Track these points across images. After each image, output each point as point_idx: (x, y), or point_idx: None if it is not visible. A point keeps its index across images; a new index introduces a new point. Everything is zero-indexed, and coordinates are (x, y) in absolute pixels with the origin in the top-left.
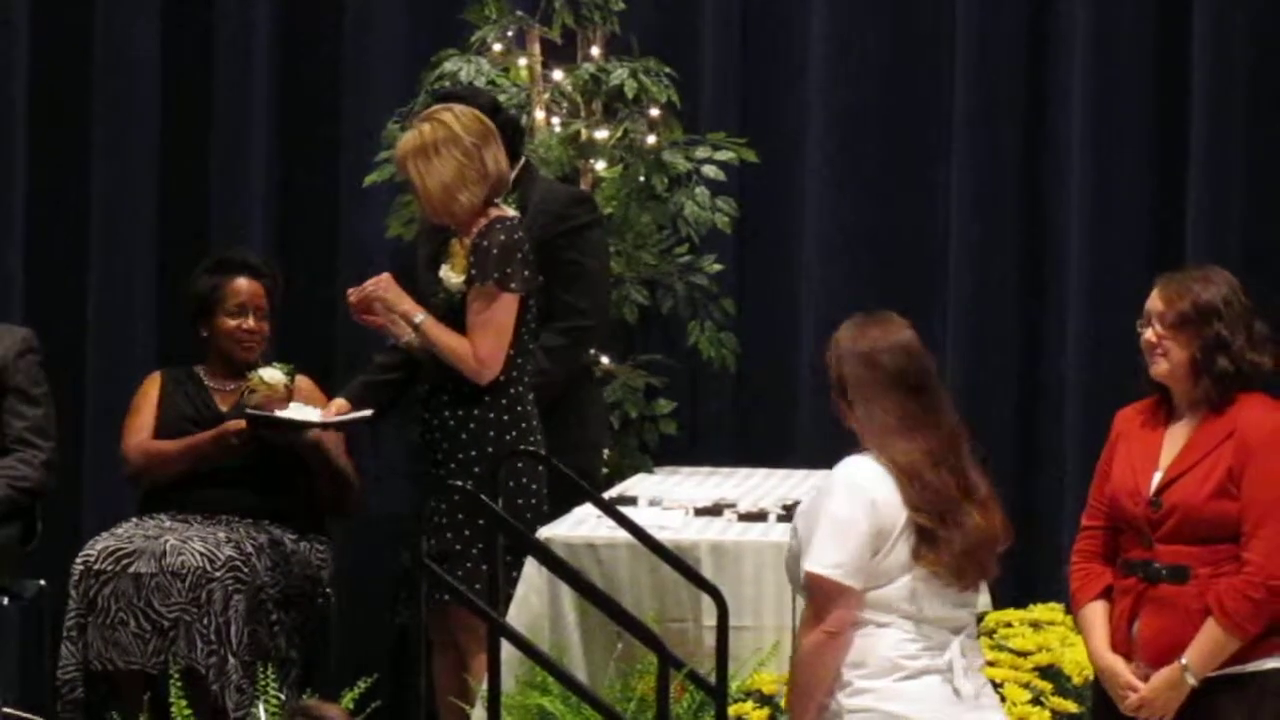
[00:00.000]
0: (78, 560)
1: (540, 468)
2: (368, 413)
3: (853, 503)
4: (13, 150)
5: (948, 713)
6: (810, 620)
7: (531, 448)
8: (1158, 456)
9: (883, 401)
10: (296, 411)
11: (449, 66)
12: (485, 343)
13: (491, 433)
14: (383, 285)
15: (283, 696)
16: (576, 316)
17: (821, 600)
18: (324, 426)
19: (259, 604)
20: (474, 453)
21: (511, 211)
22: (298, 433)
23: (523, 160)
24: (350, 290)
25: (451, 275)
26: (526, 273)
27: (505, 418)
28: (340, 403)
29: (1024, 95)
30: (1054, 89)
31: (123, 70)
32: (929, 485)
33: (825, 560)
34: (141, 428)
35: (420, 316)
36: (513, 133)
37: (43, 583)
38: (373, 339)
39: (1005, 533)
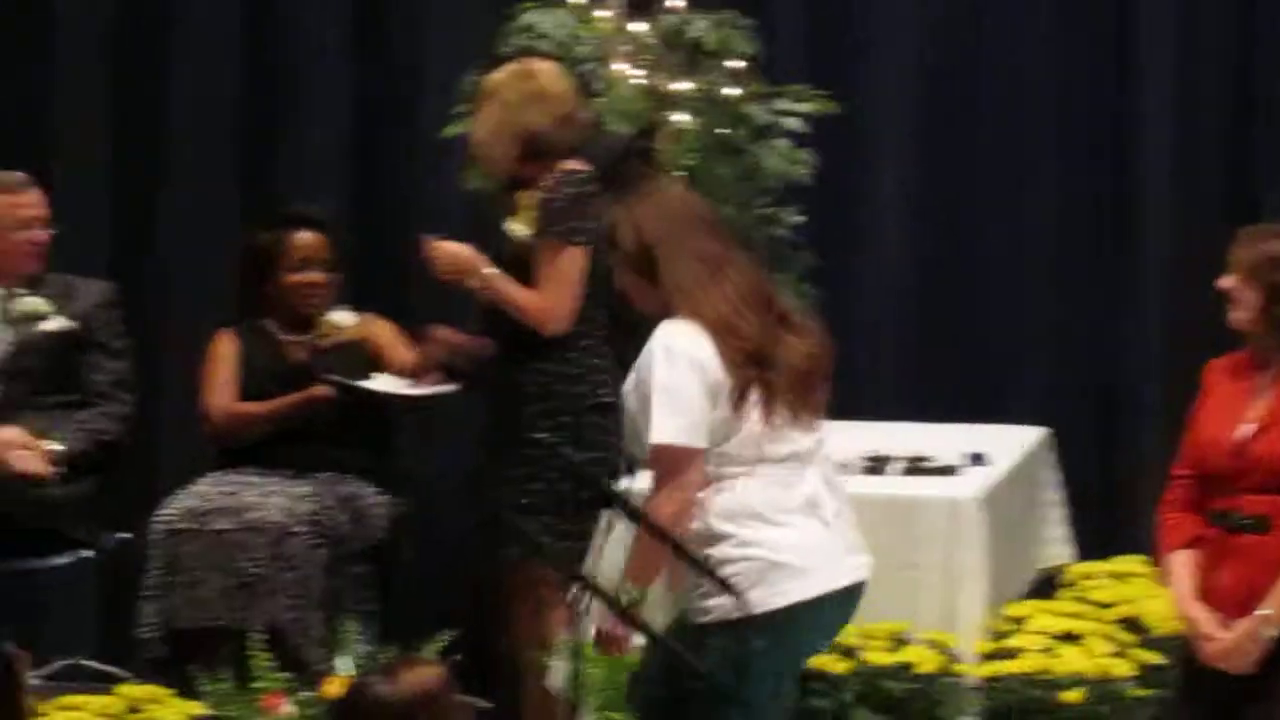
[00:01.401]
0: (158, 519)
1: (614, 419)
2: (454, 387)
3: (675, 367)
4: (95, 103)
5: (823, 554)
6: (660, 498)
7: (607, 399)
8: (1244, 407)
9: (688, 245)
10: (383, 383)
11: (530, 18)
12: (552, 295)
13: (560, 386)
14: (446, 244)
15: (364, 650)
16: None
17: (671, 468)
18: (411, 400)
19: (339, 558)
20: (542, 406)
21: (582, 165)
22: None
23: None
24: (428, 243)
25: (517, 227)
26: (593, 224)
27: (575, 371)
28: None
29: (1107, 34)
30: (1137, 25)
31: (199, 20)
32: (742, 334)
33: (666, 428)
34: (223, 387)
35: (487, 269)
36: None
37: (123, 535)
38: (451, 291)
39: (826, 352)
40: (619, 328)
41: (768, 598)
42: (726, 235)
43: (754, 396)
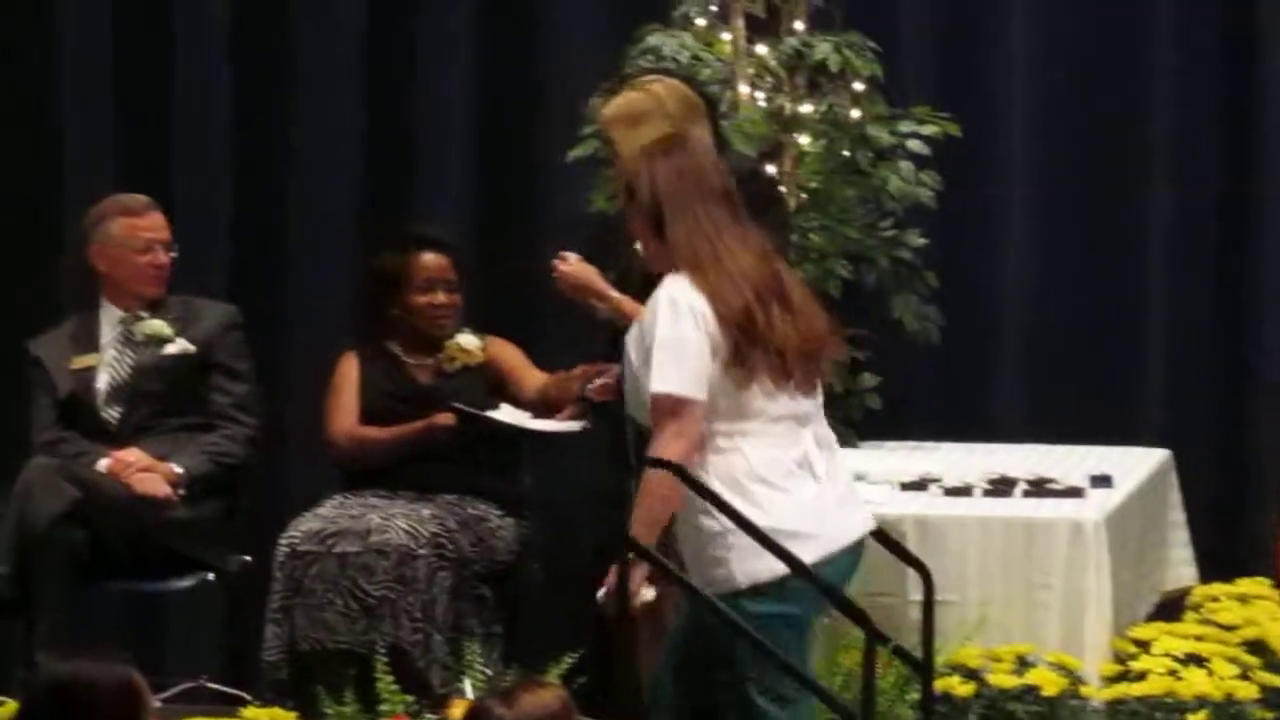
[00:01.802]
0: (282, 542)
1: None
2: (581, 425)
3: (679, 320)
4: (218, 126)
5: (817, 516)
6: (661, 443)
7: None
8: None
9: (696, 208)
10: (509, 414)
11: (652, 41)
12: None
13: None
14: (572, 267)
15: (488, 672)
16: None
17: (672, 417)
18: (536, 435)
19: (463, 580)
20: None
21: None
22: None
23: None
24: (558, 257)
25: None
26: None
27: None
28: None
29: (1230, 48)
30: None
31: (326, 42)
32: (732, 302)
33: (669, 378)
34: (347, 411)
35: (614, 293)
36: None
37: (246, 558)
38: (576, 312)
39: (826, 337)
40: None
41: (770, 566)
42: (738, 207)
43: (746, 360)
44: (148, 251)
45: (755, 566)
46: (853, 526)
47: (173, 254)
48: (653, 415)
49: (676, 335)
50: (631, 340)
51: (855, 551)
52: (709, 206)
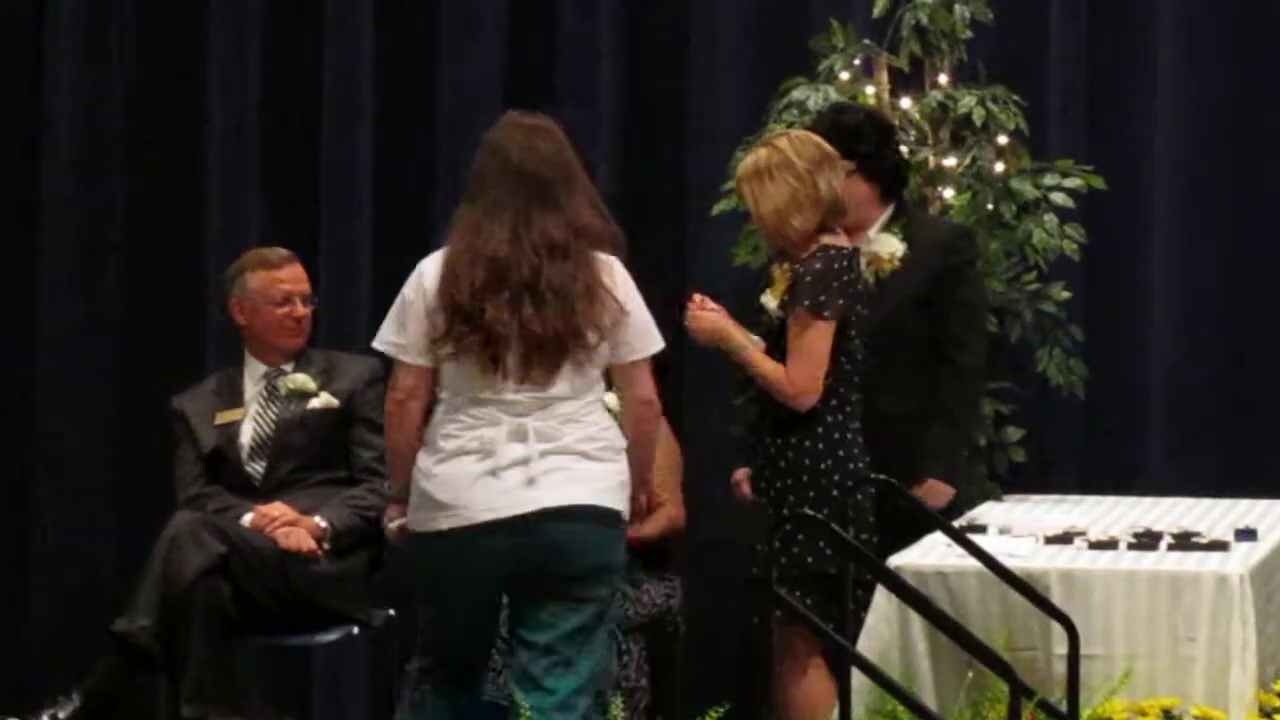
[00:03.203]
0: None
1: (859, 497)
2: None
3: (411, 284)
4: (360, 178)
5: (477, 494)
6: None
7: (868, 475)
8: None
9: (489, 189)
10: None
11: (797, 95)
12: (799, 369)
13: (807, 460)
14: (704, 315)
15: None
16: (972, 356)
17: (392, 371)
18: None
19: (609, 635)
20: (789, 480)
21: (842, 241)
22: None
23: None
24: (692, 302)
25: (770, 300)
26: (842, 301)
27: (820, 446)
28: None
29: None
30: None
31: (461, 92)
32: (460, 278)
33: (385, 336)
34: None
35: (741, 347)
36: (899, 161)
37: (391, 611)
38: (718, 367)
39: (569, 335)
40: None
41: (421, 522)
42: (537, 197)
43: (455, 336)
44: (286, 304)
45: (414, 519)
46: (513, 504)
47: (313, 306)
48: None
49: (404, 297)
50: None
51: (523, 531)
52: (500, 191)
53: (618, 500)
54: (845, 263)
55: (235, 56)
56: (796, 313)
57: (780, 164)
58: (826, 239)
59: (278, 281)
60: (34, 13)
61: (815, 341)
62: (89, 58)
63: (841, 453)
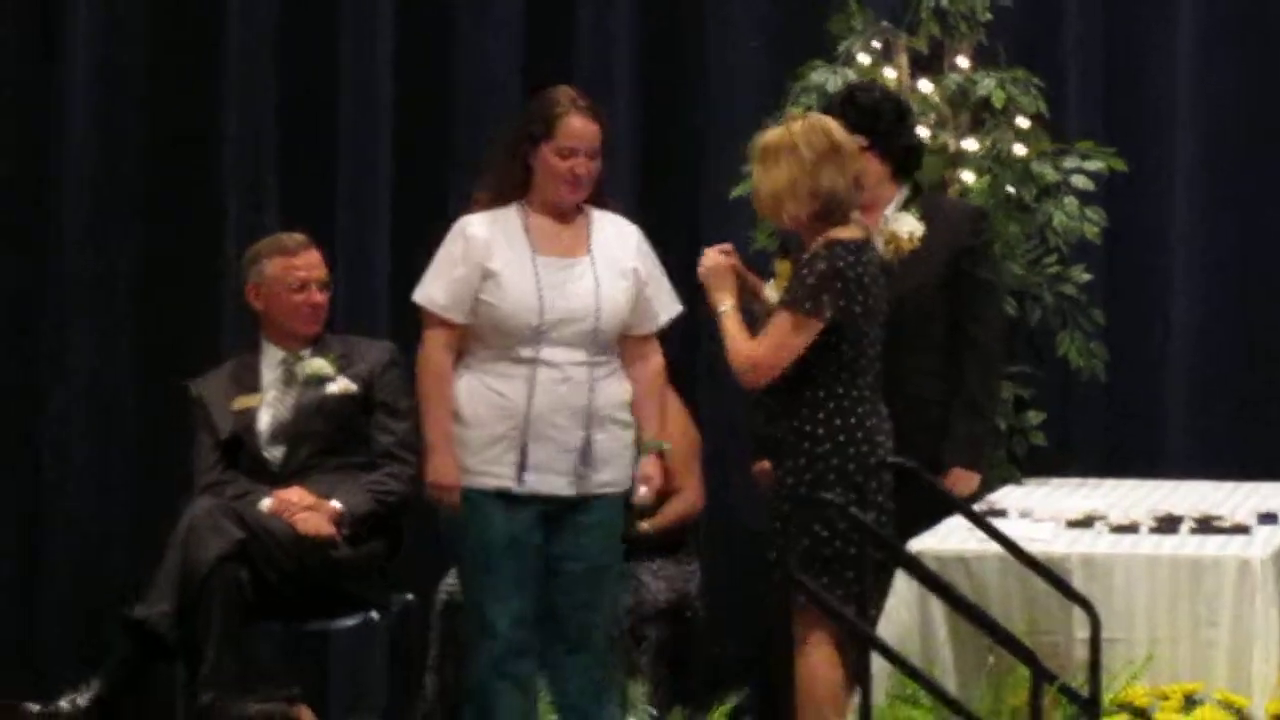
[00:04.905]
0: (442, 590)
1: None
2: None
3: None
4: (378, 166)
5: None
6: None
7: (885, 459)
8: None
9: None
10: None
11: (815, 78)
12: (763, 351)
13: (807, 444)
14: (713, 256)
15: (653, 712)
16: (992, 337)
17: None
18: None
19: (628, 623)
20: (789, 463)
21: (851, 233)
22: None
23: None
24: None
25: (771, 294)
26: (843, 301)
27: (820, 431)
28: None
29: None
30: None
31: (483, 82)
32: None
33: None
34: None
35: (725, 305)
36: (915, 142)
37: (410, 596)
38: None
39: None
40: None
41: None
42: None
43: None
44: (303, 290)
45: None
46: None
47: (328, 291)
48: None
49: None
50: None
51: None
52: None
53: None
54: (851, 258)
55: (253, 51)
56: (786, 303)
57: (788, 149)
58: (836, 232)
59: (294, 268)
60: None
61: (791, 335)
62: (104, 66)
63: (856, 436)
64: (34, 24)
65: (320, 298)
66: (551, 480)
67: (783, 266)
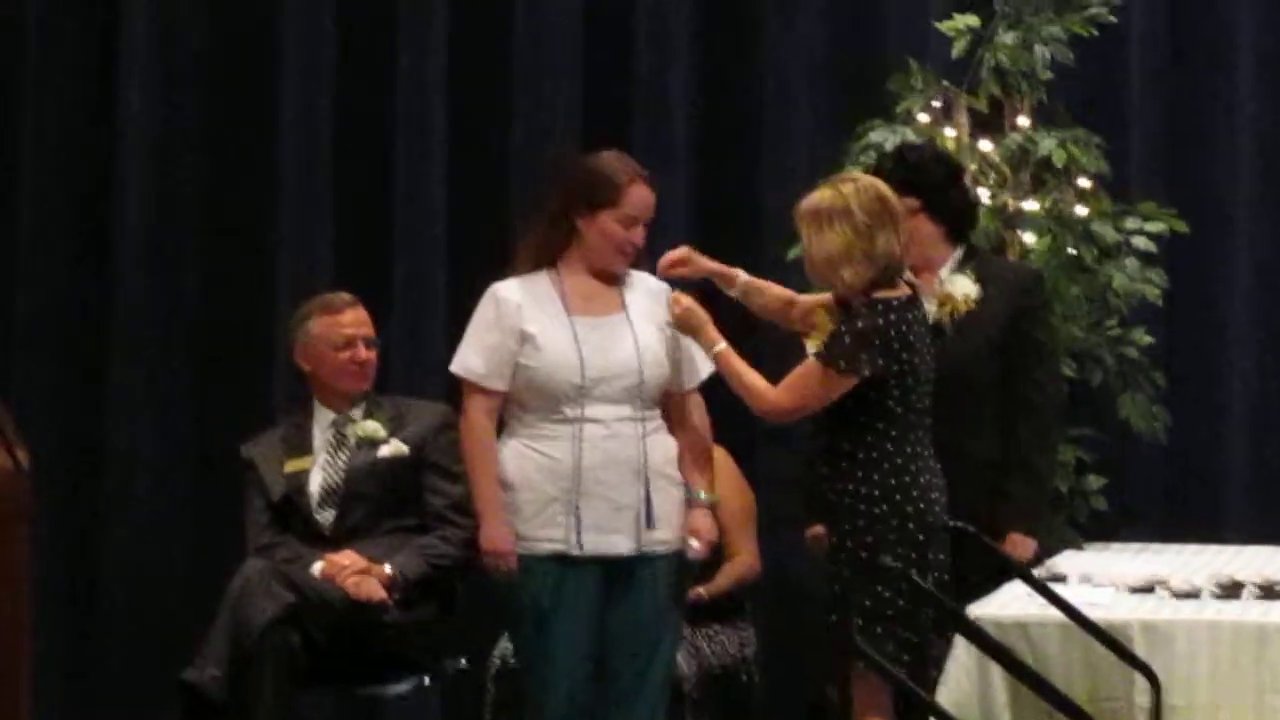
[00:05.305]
0: (495, 654)
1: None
2: None
3: None
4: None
5: None
6: None
7: (945, 522)
8: None
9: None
10: None
11: (874, 137)
12: (789, 400)
13: (864, 506)
14: (683, 305)
15: None
16: (1049, 399)
17: None
18: None
19: (678, 690)
20: (846, 525)
21: (898, 292)
22: None
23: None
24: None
25: (811, 347)
26: (882, 360)
27: (876, 492)
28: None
29: None
30: None
31: (543, 116)
32: None
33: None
34: None
35: (719, 345)
36: (968, 202)
37: (463, 661)
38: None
39: None
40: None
41: None
42: None
43: None
44: (348, 347)
45: None
46: None
47: (376, 349)
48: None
49: None
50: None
51: None
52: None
53: None
54: (894, 316)
55: (308, 99)
56: (821, 356)
57: (840, 212)
58: (882, 293)
59: (340, 325)
60: (102, 51)
61: (819, 388)
62: (159, 99)
63: (912, 495)
64: (90, 87)
65: (366, 354)
66: (610, 540)
67: (821, 318)
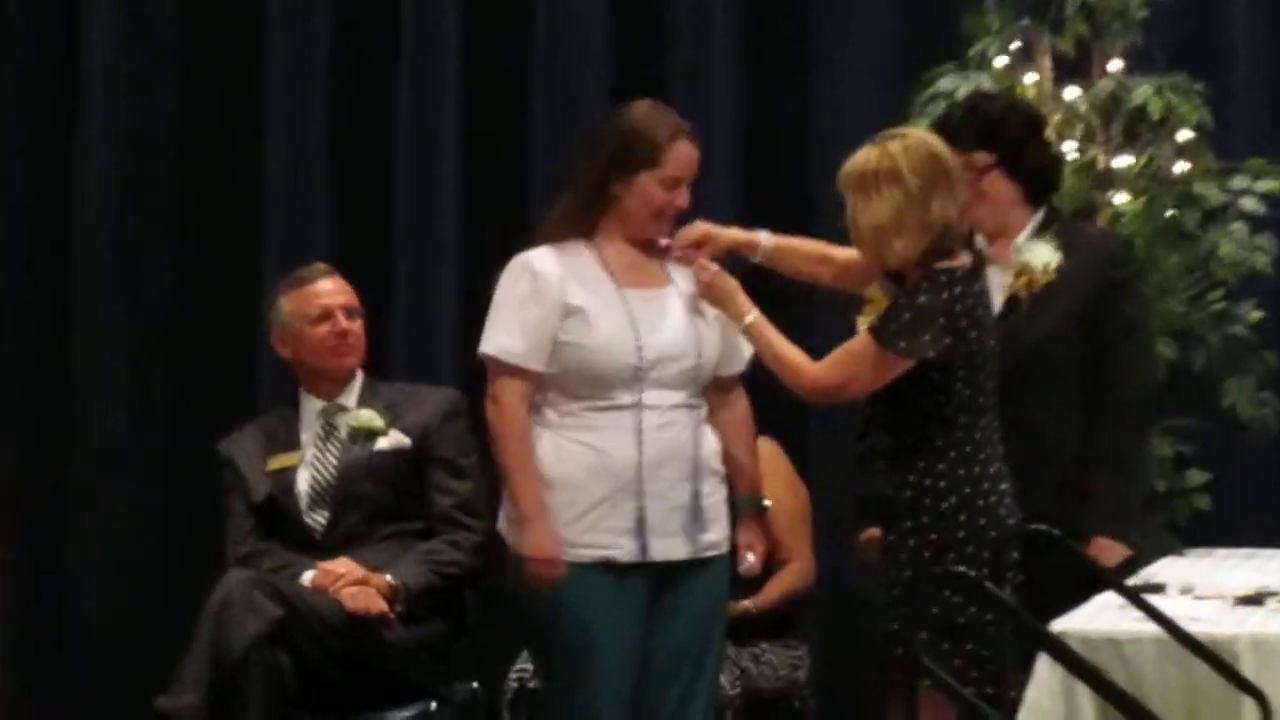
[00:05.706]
0: (512, 676)
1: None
2: None
3: None
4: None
5: None
6: None
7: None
8: None
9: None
10: None
11: (944, 84)
12: (835, 373)
13: (928, 500)
14: (711, 271)
15: None
16: (1140, 383)
17: None
18: None
19: (721, 717)
20: (908, 523)
21: (959, 261)
22: None
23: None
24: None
25: (862, 322)
26: (948, 340)
27: (943, 484)
28: None
29: None
30: None
31: (569, 113)
32: None
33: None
34: None
35: (750, 315)
36: (1050, 159)
37: (474, 685)
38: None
39: None
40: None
41: None
42: None
43: None
44: (326, 319)
45: None
46: None
47: (360, 319)
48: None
49: None
50: None
51: None
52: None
53: None
54: (959, 289)
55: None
56: (875, 332)
57: (889, 175)
58: (943, 263)
59: (314, 296)
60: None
61: (872, 369)
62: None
63: (983, 488)
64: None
65: (348, 324)
66: (668, 544)
67: (875, 293)
